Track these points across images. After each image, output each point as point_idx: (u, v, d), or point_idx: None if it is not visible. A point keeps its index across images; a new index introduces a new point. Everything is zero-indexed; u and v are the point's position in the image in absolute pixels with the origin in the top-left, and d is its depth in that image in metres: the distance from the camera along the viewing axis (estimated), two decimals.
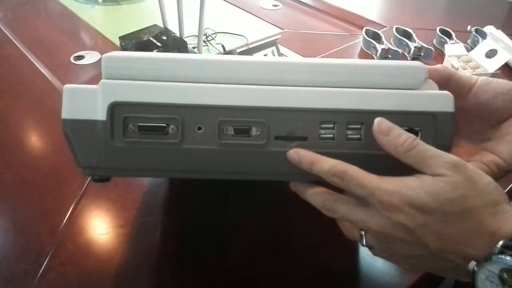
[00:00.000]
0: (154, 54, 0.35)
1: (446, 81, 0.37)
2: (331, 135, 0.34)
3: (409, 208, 0.29)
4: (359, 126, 0.34)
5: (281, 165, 0.35)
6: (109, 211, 0.50)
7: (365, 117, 0.34)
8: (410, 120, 0.34)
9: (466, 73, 0.47)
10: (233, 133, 0.34)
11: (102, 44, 0.88)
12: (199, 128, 0.34)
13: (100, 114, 0.33)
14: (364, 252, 0.46)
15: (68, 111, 0.34)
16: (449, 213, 0.28)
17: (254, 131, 0.34)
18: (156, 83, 0.34)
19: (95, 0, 1.07)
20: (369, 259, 0.46)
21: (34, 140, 0.62)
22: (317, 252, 0.46)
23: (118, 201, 0.51)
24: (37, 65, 0.78)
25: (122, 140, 0.34)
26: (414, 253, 0.31)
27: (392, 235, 0.30)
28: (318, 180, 0.35)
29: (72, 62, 0.80)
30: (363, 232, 0.33)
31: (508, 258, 0.26)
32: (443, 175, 0.29)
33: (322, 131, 0.34)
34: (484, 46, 0.77)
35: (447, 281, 0.51)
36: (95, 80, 0.75)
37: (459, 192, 0.28)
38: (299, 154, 0.33)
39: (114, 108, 0.33)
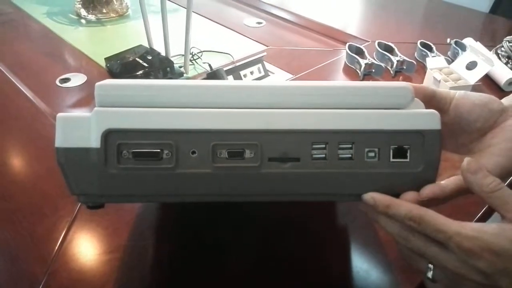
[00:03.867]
0: (147, 81, 0.36)
1: (430, 99, 0.39)
2: (323, 156, 0.35)
3: (488, 255, 0.29)
4: (350, 146, 0.35)
5: (275, 186, 0.35)
6: (101, 236, 0.50)
7: (356, 137, 0.35)
8: (399, 139, 0.35)
9: (446, 87, 0.48)
10: (227, 156, 0.34)
11: (88, 65, 0.88)
12: (193, 153, 0.34)
13: (94, 141, 0.33)
14: (358, 267, 0.47)
15: (61, 140, 0.34)
16: None
17: (247, 154, 0.34)
18: (149, 110, 0.34)
19: (78, 22, 1.07)
20: (363, 274, 0.46)
21: (22, 165, 0.61)
22: (314, 267, 0.47)
23: (110, 225, 0.51)
24: (22, 89, 0.77)
25: (117, 167, 0.34)
26: None
27: (467, 277, 0.31)
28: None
29: (58, 85, 0.79)
30: (431, 266, 0.33)
31: None
32: None
33: (314, 152, 0.35)
34: (464, 58, 0.79)
35: None
36: (82, 103, 0.75)
37: None
38: (374, 198, 0.34)
39: (108, 135, 0.34)
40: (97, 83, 0.34)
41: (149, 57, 0.86)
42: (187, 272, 0.46)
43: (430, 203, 0.34)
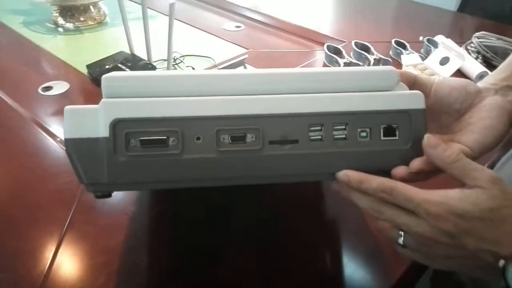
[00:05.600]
0: (151, 72, 0.37)
1: (413, 83, 0.41)
2: (320, 137, 0.37)
3: (453, 217, 0.32)
4: (343, 127, 0.37)
5: (276, 167, 0.37)
6: (96, 239, 0.50)
7: (349, 118, 0.37)
8: (388, 118, 0.38)
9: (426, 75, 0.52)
10: (230, 140, 0.36)
11: (69, 73, 0.88)
12: (198, 138, 0.36)
13: (102, 131, 0.35)
14: (350, 255, 0.49)
15: (70, 131, 0.35)
16: (488, 220, 0.32)
17: (249, 138, 0.36)
18: (155, 99, 0.36)
19: (56, 30, 1.07)
20: (352, 265, 0.48)
21: (11, 174, 0.61)
22: (307, 260, 0.49)
23: (105, 227, 0.52)
24: (5, 98, 0.76)
25: (125, 154, 0.35)
26: (452, 254, 0.34)
27: (436, 239, 0.33)
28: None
29: (40, 94, 0.79)
30: (402, 233, 0.36)
31: None
32: (484, 187, 0.33)
33: (311, 134, 0.37)
34: (437, 54, 0.83)
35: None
36: None
37: (497, 202, 0.32)
38: (348, 175, 0.37)
39: (116, 125, 0.35)
40: (104, 76, 0.36)
41: (131, 63, 0.86)
42: (186, 268, 0.47)
43: (417, 176, 0.37)
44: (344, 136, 0.37)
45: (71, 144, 0.35)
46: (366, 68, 0.40)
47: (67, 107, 0.35)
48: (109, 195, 0.38)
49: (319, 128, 0.37)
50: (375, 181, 0.35)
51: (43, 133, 0.68)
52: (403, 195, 0.34)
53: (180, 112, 0.35)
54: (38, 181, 0.59)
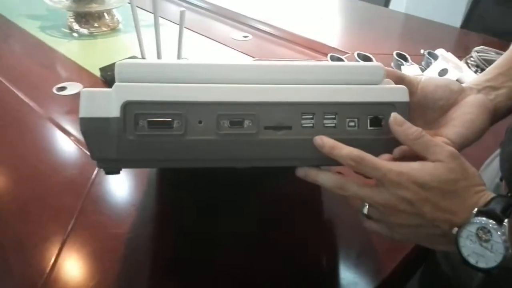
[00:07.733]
0: (160, 60, 0.41)
1: (400, 81, 0.45)
2: (311, 124, 0.40)
3: (413, 186, 0.36)
4: (333, 116, 0.40)
5: (270, 151, 0.40)
6: (104, 227, 0.53)
7: (338, 108, 0.40)
8: (374, 110, 0.41)
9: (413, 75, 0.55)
10: (229, 125, 0.39)
11: (82, 75, 0.91)
12: (200, 122, 0.39)
13: (114, 111, 0.38)
14: (345, 251, 0.51)
15: (85, 111, 0.38)
16: (445, 191, 0.36)
17: (246, 123, 0.39)
18: (163, 84, 0.39)
19: (71, 35, 1.11)
20: (353, 257, 0.51)
21: (23, 171, 0.64)
22: (299, 256, 0.51)
23: (113, 216, 0.55)
24: (22, 97, 0.80)
25: (134, 134, 0.38)
26: (411, 222, 0.37)
27: (397, 207, 0.37)
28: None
29: (55, 93, 0.83)
30: (366, 204, 0.39)
31: (483, 219, 0.34)
32: (442, 161, 0.36)
33: (303, 121, 0.40)
34: (436, 66, 0.86)
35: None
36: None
37: (454, 175, 0.36)
38: (323, 140, 0.39)
39: (127, 106, 0.38)
40: (117, 62, 0.39)
41: None
42: (187, 258, 0.50)
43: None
44: (333, 125, 0.40)
45: (85, 123, 0.38)
46: (355, 63, 0.43)
47: (84, 89, 0.39)
48: (117, 172, 0.42)
49: (311, 116, 0.40)
50: (346, 149, 0.38)
51: (57, 129, 0.72)
52: (372, 164, 0.37)
53: (184, 97, 0.39)
54: (51, 172, 0.62)
